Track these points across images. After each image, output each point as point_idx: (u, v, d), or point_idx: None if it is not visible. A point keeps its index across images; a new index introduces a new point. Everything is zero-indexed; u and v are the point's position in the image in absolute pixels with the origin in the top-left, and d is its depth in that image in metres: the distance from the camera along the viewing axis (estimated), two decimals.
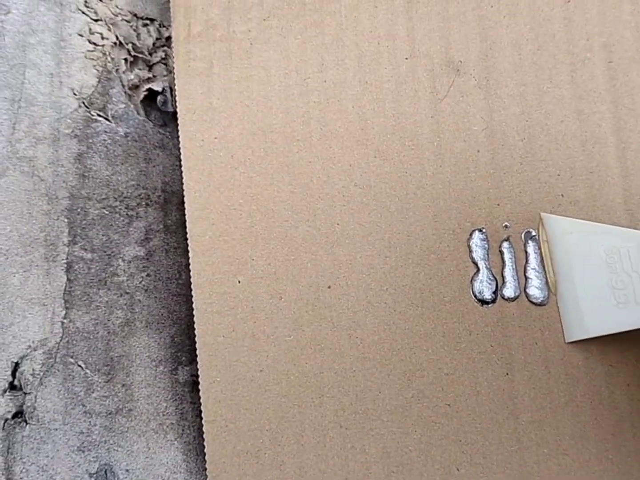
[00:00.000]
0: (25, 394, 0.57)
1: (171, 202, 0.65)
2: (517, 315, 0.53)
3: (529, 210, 0.55)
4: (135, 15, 0.69)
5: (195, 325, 0.56)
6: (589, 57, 0.56)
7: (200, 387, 0.55)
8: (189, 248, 0.57)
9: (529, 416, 0.52)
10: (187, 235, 0.57)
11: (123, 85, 0.67)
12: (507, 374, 0.53)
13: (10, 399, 0.56)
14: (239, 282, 0.56)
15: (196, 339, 0.55)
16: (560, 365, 0.52)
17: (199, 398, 0.55)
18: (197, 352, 0.55)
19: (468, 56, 0.57)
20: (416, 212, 0.55)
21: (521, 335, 0.53)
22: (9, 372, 0.57)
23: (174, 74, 0.61)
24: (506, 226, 0.55)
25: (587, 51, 0.56)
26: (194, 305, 0.56)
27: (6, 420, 0.56)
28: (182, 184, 0.59)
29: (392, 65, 0.58)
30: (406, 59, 0.58)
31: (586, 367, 0.52)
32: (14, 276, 0.58)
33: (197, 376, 0.55)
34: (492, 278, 0.54)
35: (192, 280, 0.56)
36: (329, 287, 0.55)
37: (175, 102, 0.60)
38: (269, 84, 0.59)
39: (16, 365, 0.57)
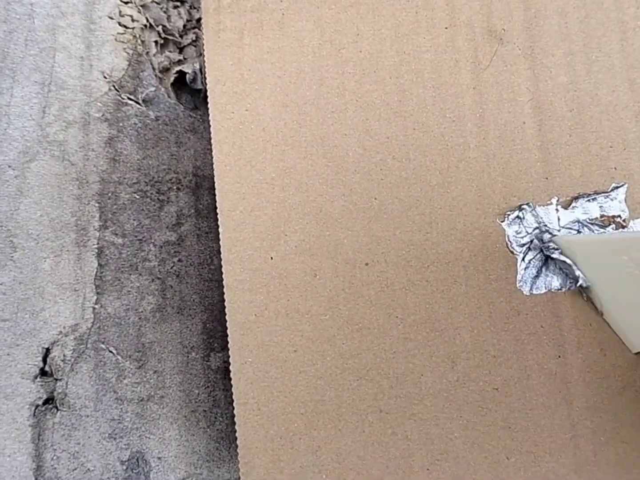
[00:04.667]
0: (56, 380, 0.56)
1: (202, 187, 0.64)
2: (568, 295, 0.50)
3: (580, 183, 0.52)
4: None
5: (225, 304, 0.53)
6: None
7: (231, 368, 0.52)
8: (219, 223, 0.55)
9: (583, 402, 0.49)
10: (217, 210, 0.55)
11: (153, 68, 0.65)
12: (560, 356, 0.49)
13: (41, 385, 0.55)
14: (272, 258, 0.54)
15: (226, 317, 0.53)
16: (617, 347, 0.49)
17: (232, 385, 0.53)
18: (228, 331, 0.53)
19: (511, 25, 0.54)
20: (458, 186, 0.53)
21: (574, 316, 0.50)
22: (40, 358, 0.56)
23: (204, 51, 0.59)
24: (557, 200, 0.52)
25: (637, 19, 0.53)
26: (224, 283, 0.54)
27: (37, 406, 0.55)
28: (213, 168, 0.57)
29: (430, 35, 0.55)
30: (445, 28, 0.55)
31: None
32: (45, 261, 0.57)
33: (230, 362, 0.53)
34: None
35: (222, 256, 0.54)
36: (367, 264, 0.53)
37: (205, 80, 0.59)
38: (302, 54, 0.57)
39: (47, 351, 0.56)
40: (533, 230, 0.51)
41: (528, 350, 0.50)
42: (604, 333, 0.49)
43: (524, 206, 0.52)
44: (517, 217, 0.52)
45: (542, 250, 0.51)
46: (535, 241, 0.51)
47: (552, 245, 0.50)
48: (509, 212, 0.52)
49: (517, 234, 0.51)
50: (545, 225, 0.51)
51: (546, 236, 0.51)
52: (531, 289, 0.51)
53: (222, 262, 0.54)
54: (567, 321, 0.50)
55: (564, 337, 0.50)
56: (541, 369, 0.49)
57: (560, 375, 0.49)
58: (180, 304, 0.60)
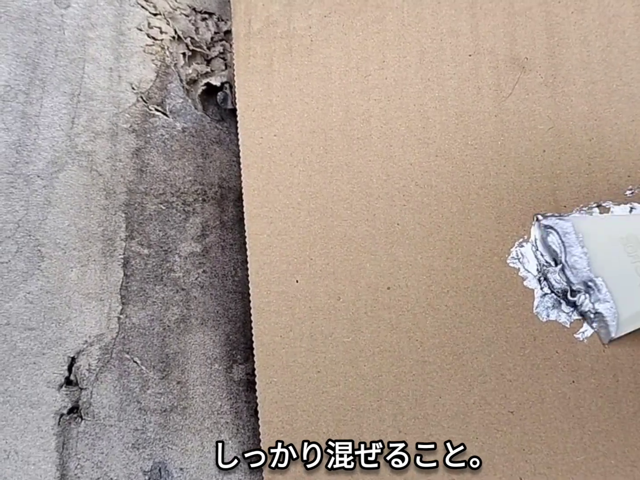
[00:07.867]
0: (81, 389, 0.57)
1: (228, 198, 0.65)
2: (583, 322, 0.51)
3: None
4: (194, 9, 0.69)
5: (252, 325, 0.55)
6: None
7: (257, 387, 0.54)
8: (247, 246, 0.56)
9: (595, 426, 0.50)
10: (245, 234, 0.57)
11: (181, 80, 0.67)
12: (574, 381, 0.51)
13: (66, 394, 0.57)
14: (297, 281, 0.55)
15: (253, 338, 0.55)
16: (629, 373, 0.50)
17: (254, 397, 0.54)
18: (254, 351, 0.55)
19: (534, 53, 0.55)
20: (479, 212, 0.54)
21: (588, 342, 0.51)
22: (66, 367, 0.57)
23: (232, 69, 0.60)
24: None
25: None
26: (251, 304, 0.55)
27: (62, 415, 0.56)
28: (239, 179, 0.58)
29: (455, 62, 0.56)
30: (470, 55, 0.56)
31: None
32: (72, 271, 0.59)
33: (252, 375, 0.55)
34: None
35: (249, 279, 0.55)
36: (389, 288, 0.54)
37: (235, 99, 0.60)
38: (329, 81, 0.58)
39: (72, 360, 0.57)
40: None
41: (543, 375, 0.51)
42: (617, 359, 0.50)
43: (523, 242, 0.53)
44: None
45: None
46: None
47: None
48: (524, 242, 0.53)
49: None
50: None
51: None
52: (548, 315, 0.52)
53: (250, 285, 0.55)
54: (582, 347, 0.51)
55: (579, 362, 0.51)
56: (555, 393, 0.51)
57: (573, 400, 0.50)
58: (204, 315, 0.61)
